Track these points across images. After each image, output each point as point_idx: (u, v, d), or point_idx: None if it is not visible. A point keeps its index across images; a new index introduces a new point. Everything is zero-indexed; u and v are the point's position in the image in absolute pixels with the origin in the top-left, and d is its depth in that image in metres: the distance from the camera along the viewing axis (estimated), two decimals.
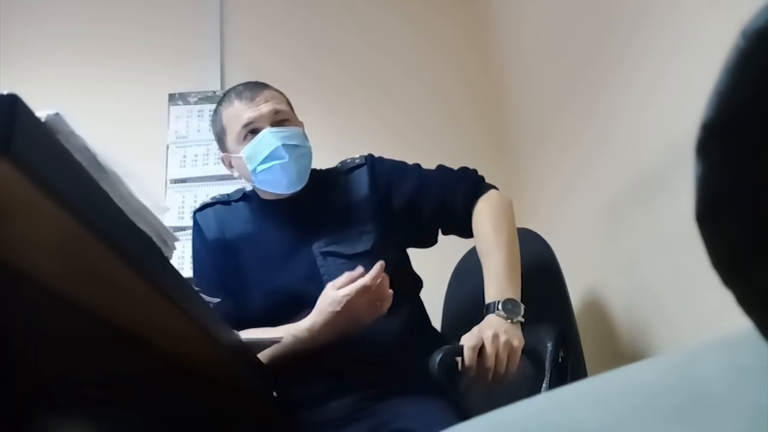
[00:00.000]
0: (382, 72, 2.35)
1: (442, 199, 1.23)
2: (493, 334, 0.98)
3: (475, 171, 1.27)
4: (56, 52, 2.28)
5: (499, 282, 1.07)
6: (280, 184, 1.20)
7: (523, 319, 1.03)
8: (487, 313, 1.03)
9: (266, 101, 1.21)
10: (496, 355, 0.96)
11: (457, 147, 2.22)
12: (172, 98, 2.27)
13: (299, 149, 1.19)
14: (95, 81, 2.24)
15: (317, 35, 2.39)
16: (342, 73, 2.33)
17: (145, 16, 2.36)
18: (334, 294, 1.05)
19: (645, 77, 1.21)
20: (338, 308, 1.04)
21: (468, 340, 0.99)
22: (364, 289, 1.03)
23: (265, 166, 1.17)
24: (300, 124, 1.26)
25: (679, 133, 1.05)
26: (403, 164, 1.30)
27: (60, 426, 0.77)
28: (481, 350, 0.98)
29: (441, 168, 1.29)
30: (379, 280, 1.04)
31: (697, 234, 0.29)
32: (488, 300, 1.06)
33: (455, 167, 1.29)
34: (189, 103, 2.26)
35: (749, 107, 0.25)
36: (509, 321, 1.01)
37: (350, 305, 1.03)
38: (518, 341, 0.99)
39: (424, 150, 2.19)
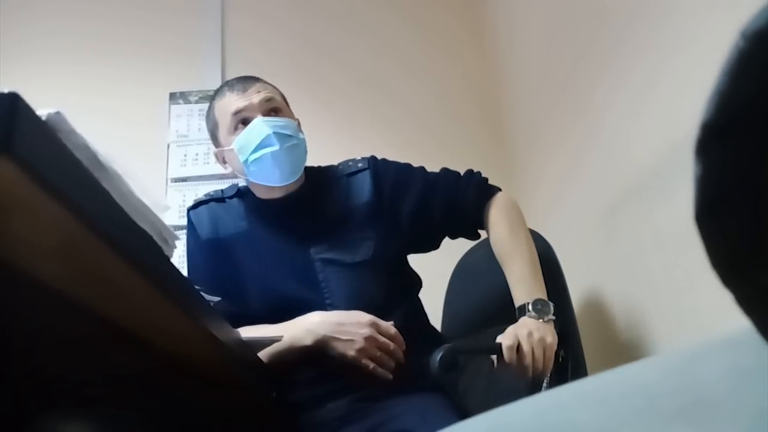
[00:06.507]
0: (382, 71, 2.36)
1: (452, 200, 1.22)
2: (528, 332, 1.02)
3: (479, 173, 1.27)
4: (56, 51, 2.28)
5: (525, 284, 1.11)
6: (272, 175, 1.16)
7: (554, 317, 1.06)
8: (520, 315, 1.07)
9: (258, 91, 1.20)
10: (533, 352, 1.00)
11: (457, 145, 2.23)
12: (173, 97, 2.27)
13: (292, 139, 1.17)
14: (96, 79, 2.24)
15: (317, 34, 2.39)
16: (342, 73, 2.33)
17: (146, 15, 2.36)
18: (364, 321, 1.05)
19: (641, 76, 1.21)
20: (350, 333, 1.04)
21: (506, 339, 1.02)
22: (383, 344, 1.04)
23: (256, 155, 1.14)
24: (294, 119, 1.24)
25: (678, 132, 1.05)
26: (407, 166, 1.29)
27: (60, 426, 0.77)
28: (518, 349, 1.01)
29: (446, 170, 1.27)
30: (393, 346, 1.05)
31: (697, 234, 0.29)
32: (518, 303, 1.09)
33: (455, 166, 1.29)
34: (190, 102, 2.26)
35: (749, 107, 0.25)
36: (541, 320, 1.05)
37: (360, 340, 1.03)
38: (552, 338, 1.03)
39: (424, 149, 2.21)
